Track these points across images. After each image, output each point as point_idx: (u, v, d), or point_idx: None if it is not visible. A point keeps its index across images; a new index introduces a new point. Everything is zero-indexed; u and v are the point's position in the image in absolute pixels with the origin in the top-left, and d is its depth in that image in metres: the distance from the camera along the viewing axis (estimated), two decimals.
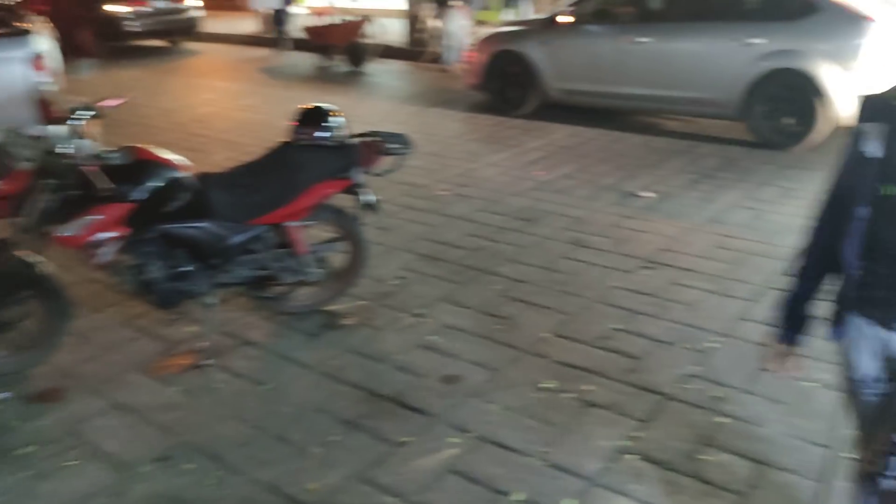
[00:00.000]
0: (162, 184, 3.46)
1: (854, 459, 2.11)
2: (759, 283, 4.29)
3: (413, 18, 12.70)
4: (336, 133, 3.77)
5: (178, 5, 13.94)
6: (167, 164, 3.54)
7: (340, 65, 12.03)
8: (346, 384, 3.41)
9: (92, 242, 3.37)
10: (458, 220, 5.39)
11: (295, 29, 13.01)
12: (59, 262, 3.58)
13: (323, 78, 11.50)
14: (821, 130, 6.80)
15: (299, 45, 12.85)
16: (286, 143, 3.80)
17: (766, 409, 3.17)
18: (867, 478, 1.83)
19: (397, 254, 4.81)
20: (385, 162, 3.89)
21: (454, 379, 3.43)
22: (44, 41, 4.89)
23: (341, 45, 11.92)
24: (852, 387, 1.94)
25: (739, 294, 4.18)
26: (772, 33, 6.89)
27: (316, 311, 4.04)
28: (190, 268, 3.58)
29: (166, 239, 3.52)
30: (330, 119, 3.79)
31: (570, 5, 8.33)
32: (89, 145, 3.40)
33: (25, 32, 6.25)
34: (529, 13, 11.65)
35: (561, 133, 7.82)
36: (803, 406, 3.17)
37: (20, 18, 6.84)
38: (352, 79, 11.41)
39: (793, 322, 2.06)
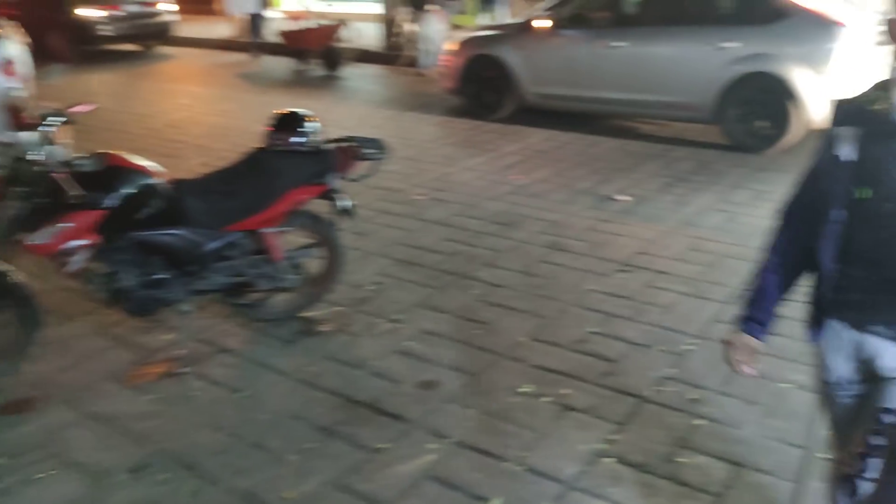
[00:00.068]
0: (135, 190, 3.42)
1: (829, 460, 2.13)
2: (734, 286, 4.32)
3: (389, 22, 12.70)
4: (311, 138, 3.75)
5: (152, 9, 13.82)
6: (140, 171, 3.51)
7: (316, 69, 11.99)
8: (322, 391, 3.39)
9: (64, 250, 3.33)
10: (434, 225, 5.39)
11: (270, 33, 12.96)
12: (31, 271, 3.54)
13: (298, 82, 11.46)
14: (794, 134, 6.88)
15: (274, 49, 12.80)
16: (261, 149, 3.78)
17: (742, 410, 3.19)
18: (844, 479, 1.85)
19: (374, 259, 4.80)
20: (361, 167, 3.88)
21: (431, 384, 3.42)
22: (14, 46, 4.82)
23: (317, 50, 11.88)
24: (827, 389, 1.96)
25: (714, 296, 4.21)
26: (745, 37, 6.97)
27: (292, 317, 4.02)
28: (165, 275, 3.55)
29: (140, 246, 3.49)
30: (305, 124, 3.77)
31: (546, 9, 8.37)
32: (60, 152, 3.36)
33: None
34: (505, 17, 11.68)
35: (537, 137, 7.85)
36: (779, 407, 3.20)
37: None
38: (327, 83, 11.37)
39: (757, 314, 2.04)
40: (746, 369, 2.03)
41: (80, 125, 3.52)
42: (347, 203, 3.83)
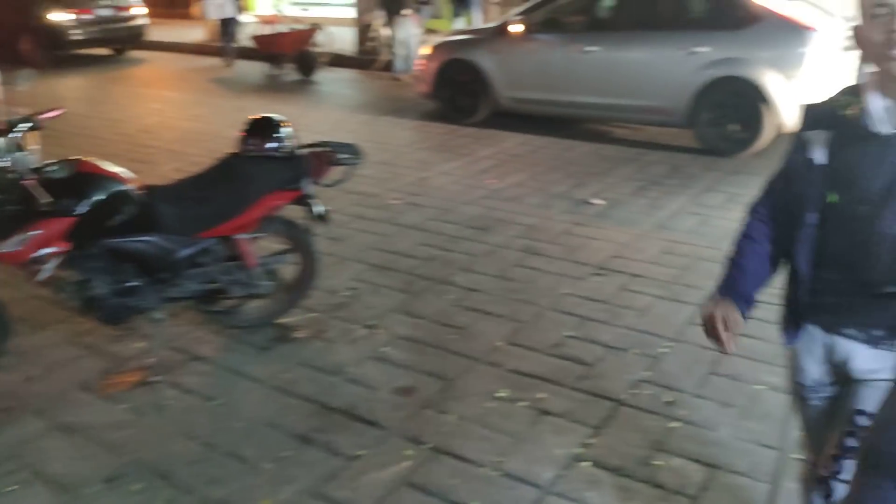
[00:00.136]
0: (106, 197, 3.38)
1: (804, 462, 2.15)
2: (708, 288, 4.34)
3: (363, 27, 12.67)
4: (285, 144, 3.73)
5: (123, 13, 13.68)
6: (111, 177, 3.47)
7: (290, 74, 11.94)
8: (298, 398, 3.36)
9: (34, 258, 3.28)
10: (410, 230, 5.38)
11: (243, 38, 12.88)
12: (0, 279, 3.47)
13: (272, 87, 11.40)
14: (766, 137, 6.96)
15: (248, 54, 12.73)
16: (234, 155, 3.75)
17: (717, 412, 3.21)
18: (818, 481, 1.86)
19: (349, 264, 4.78)
20: (335, 172, 3.86)
21: (407, 390, 3.41)
22: None
23: (291, 54, 11.83)
24: (801, 391, 1.98)
25: (689, 299, 4.24)
26: (717, 42, 7.04)
27: (267, 324, 3.98)
28: (137, 282, 3.51)
29: (112, 253, 3.44)
30: (279, 130, 3.75)
31: (520, 14, 8.40)
32: (30, 158, 3.31)
33: None
34: (479, 22, 11.70)
35: (512, 141, 7.87)
36: (753, 409, 3.23)
37: None
38: (302, 88, 11.33)
39: (740, 288, 1.97)
40: (730, 345, 1.91)
41: (50, 131, 3.47)
42: (321, 208, 3.81)
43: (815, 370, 1.91)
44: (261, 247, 3.93)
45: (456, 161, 7.17)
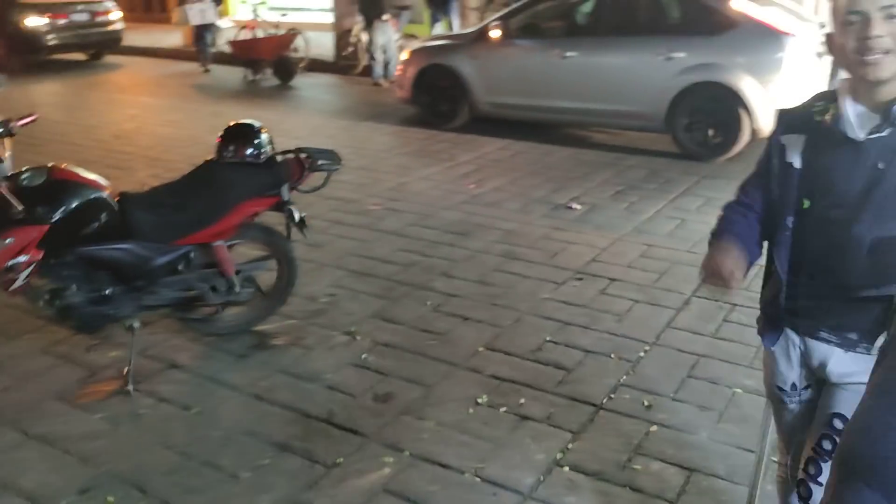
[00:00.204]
0: (80, 204, 3.34)
1: (781, 465, 2.16)
2: (686, 292, 4.39)
3: (342, 32, 12.65)
4: (263, 150, 3.71)
5: (99, 18, 13.57)
6: (86, 184, 3.43)
7: (269, 79, 11.89)
8: (276, 406, 3.34)
9: (7, 267, 3.23)
10: (389, 235, 5.37)
11: (220, 43, 12.82)
12: None
13: (251, 92, 11.35)
14: (743, 142, 7.02)
15: (227, 59, 12.66)
16: (212, 161, 3.73)
17: (695, 416, 3.23)
18: (796, 483, 1.87)
19: (328, 271, 4.75)
20: (314, 178, 3.85)
21: (387, 397, 3.39)
22: None
23: (269, 60, 11.79)
24: (777, 395, 1.99)
25: (667, 303, 4.26)
26: (694, 48, 7.10)
27: (245, 331, 3.95)
28: (112, 290, 3.47)
29: (87, 261, 3.41)
30: (257, 136, 3.73)
31: (498, 19, 8.42)
32: (2, 166, 3.26)
33: None
34: (458, 27, 11.73)
35: (492, 146, 7.88)
36: (732, 412, 3.24)
37: None
38: (280, 93, 11.29)
39: (739, 234, 1.90)
40: (733, 281, 1.82)
41: (23, 137, 3.43)
42: (300, 215, 3.79)
43: (791, 374, 1.92)
44: (239, 253, 3.90)
45: (435, 166, 7.17)
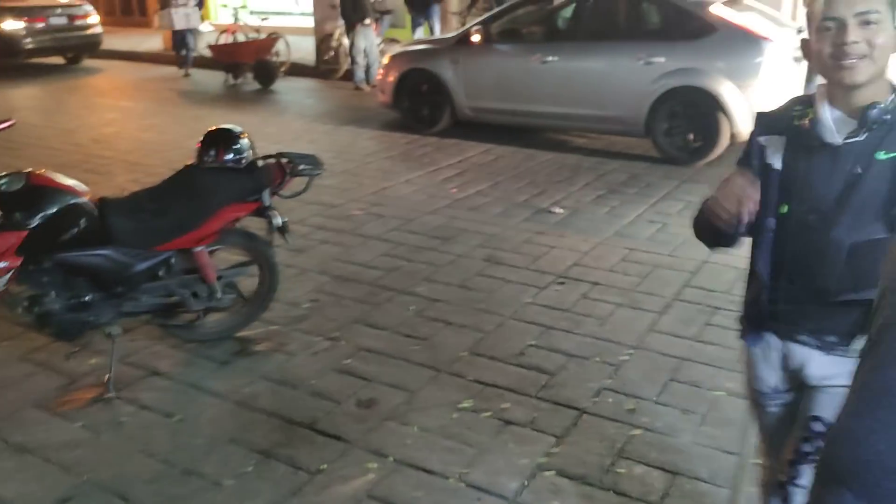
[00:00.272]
0: (59, 210, 3.31)
1: (762, 467, 2.18)
2: (667, 295, 4.41)
3: (324, 36, 12.63)
4: (244, 155, 3.70)
5: (78, 21, 13.45)
6: (64, 189, 3.40)
7: (250, 83, 11.84)
8: (259, 412, 3.32)
9: None
10: (372, 240, 5.36)
11: (201, 47, 12.75)
12: None
13: (231, 97, 11.29)
14: (722, 146, 7.08)
15: (206, 63, 12.60)
16: (192, 166, 3.70)
17: (678, 419, 3.24)
18: (777, 486, 1.89)
19: (310, 276, 4.74)
20: (295, 183, 3.84)
21: (370, 402, 3.39)
22: None
23: (250, 64, 11.74)
24: (758, 398, 2.01)
25: (648, 306, 4.28)
26: (673, 52, 7.15)
27: (227, 337, 3.93)
28: (92, 297, 3.44)
29: (66, 268, 3.37)
30: (238, 141, 3.71)
31: (479, 24, 8.44)
32: None
33: None
34: (439, 32, 11.74)
35: (474, 151, 7.89)
36: (713, 415, 3.26)
37: None
38: (261, 98, 11.24)
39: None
40: (751, 203, 1.72)
41: (1, 142, 3.41)
42: (281, 220, 3.77)
43: (771, 377, 1.94)
44: (220, 259, 3.88)
45: (418, 171, 7.17)
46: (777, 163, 1.78)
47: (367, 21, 11.19)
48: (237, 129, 3.81)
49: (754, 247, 1.86)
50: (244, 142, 3.74)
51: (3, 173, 3.31)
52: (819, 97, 1.74)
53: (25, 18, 12.64)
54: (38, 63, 13.47)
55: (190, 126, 8.38)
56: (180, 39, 12.63)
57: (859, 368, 0.91)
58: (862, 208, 1.67)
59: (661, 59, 7.15)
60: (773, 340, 1.90)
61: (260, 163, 3.75)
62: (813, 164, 1.73)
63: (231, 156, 3.67)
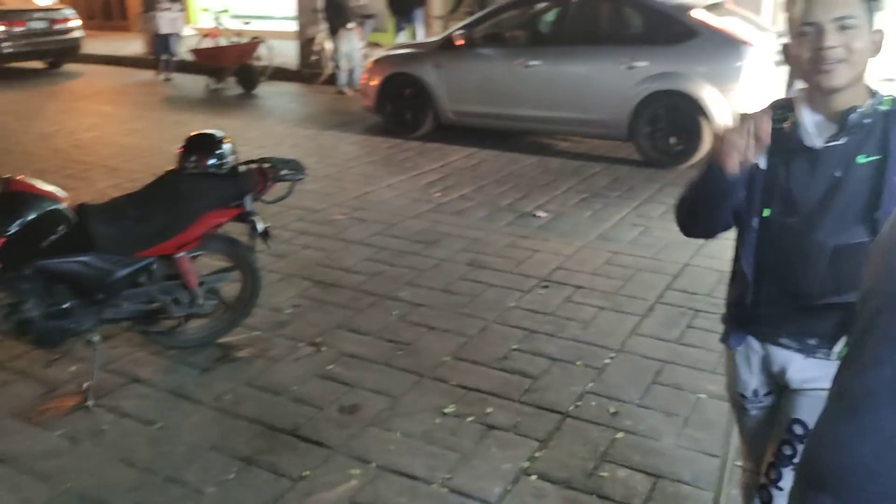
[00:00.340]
0: (38, 216, 3.27)
1: (743, 470, 2.19)
2: (649, 298, 4.43)
3: (307, 41, 12.60)
4: (226, 160, 3.68)
5: (57, 26, 13.33)
6: (43, 195, 3.37)
7: (232, 88, 11.78)
8: (241, 419, 3.29)
9: None
10: (355, 245, 5.34)
11: (182, 51, 12.68)
12: None
13: (213, 101, 11.23)
14: (704, 149, 7.11)
15: (188, 67, 12.53)
16: (174, 172, 3.68)
17: (660, 422, 3.25)
18: (758, 488, 1.89)
19: (293, 281, 4.71)
20: (278, 188, 3.82)
21: (353, 408, 3.37)
22: None
23: (232, 68, 11.68)
24: (739, 401, 2.01)
25: (631, 310, 4.29)
26: (655, 57, 7.19)
27: (208, 344, 3.91)
28: (72, 304, 3.40)
29: (45, 274, 3.34)
30: (220, 146, 3.69)
31: (462, 28, 8.44)
32: None
33: None
34: (422, 36, 11.74)
35: (457, 155, 7.89)
36: (696, 417, 3.27)
37: None
38: (243, 102, 11.19)
39: None
40: (764, 133, 1.68)
41: None
42: (264, 225, 3.75)
43: (752, 380, 1.94)
44: (202, 265, 3.85)
45: (401, 175, 7.16)
46: (762, 162, 1.78)
47: (351, 25, 11.17)
48: (219, 133, 3.79)
49: (739, 246, 1.87)
50: (226, 147, 3.72)
51: None
52: (799, 101, 1.75)
53: (4, 23, 12.52)
54: (18, 68, 13.34)
55: (171, 131, 8.33)
56: (162, 44, 12.56)
57: (840, 372, 0.92)
58: (843, 211, 1.68)
59: (644, 64, 7.18)
60: (754, 344, 1.91)
61: (242, 168, 3.73)
62: (794, 167, 1.74)
63: (213, 161, 3.65)
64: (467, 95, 8.28)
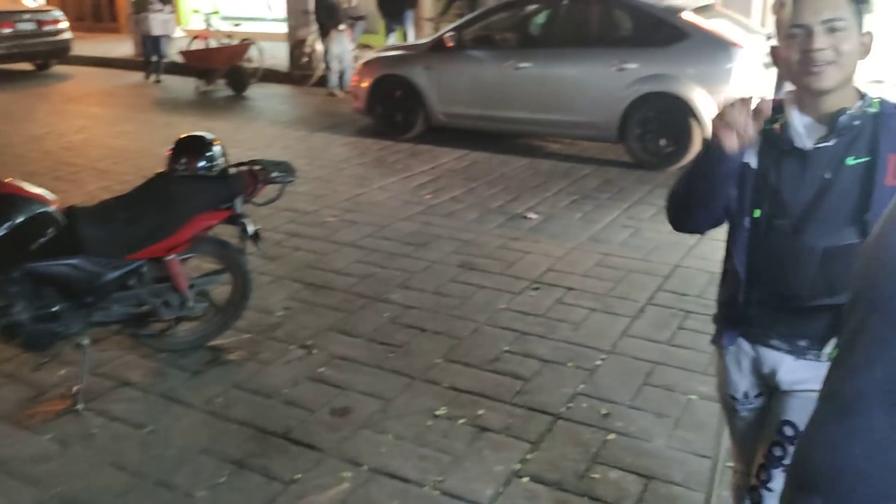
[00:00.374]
0: (27, 219, 3.26)
1: (734, 471, 2.20)
2: (640, 300, 4.43)
3: (297, 42, 12.58)
4: (216, 163, 3.66)
5: (46, 27, 13.26)
6: (32, 198, 3.35)
7: (222, 90, 11.75)
8: (232, 422, 3.28)
9: None
10: (346, 247, 5.33)
11: (172, 53, 12.65)
12: None
13: (204, 103, 11.20)
14: (694, 151, 7.13)
15: (178, 69, 12.49)
16: (164, 174, 3.67)
17: (652, 423, 3.25)
18: (749, 489, 1.90)
19: (283, 284, 4.70)
20: (268, 191, 3.81)
21: (345, 411, 3.36)
22: None
23: (222, 70, 11.65)
24: (730, 403, 2.02)
25: (622, 311, 4.30)
26: (645, 59, 7.20)
27: (199, 346, 3.89)
28: (61, 307, 3.38)
29: (34, 277, 3.32)
30: (210, 148, 3.68)
31: (453, 30, 8.45)
32: None
33: None
34: (412, 38, 11.74)
35: (448, 157, 7.89)
36: (687, 419, 3.28)
37: None
38: (234, 104, 11.16)
39: None
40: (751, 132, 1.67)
41: None
42: (254, 227, 3.74)
43: (743, 382, 1.95)
44: (192, 267, 3.83)
45: (392, 177, 7.15)
46: (753, 161, 1.79)
47: (342, 27, 11.17)
48: (209, 136, 3.78)
49: (731, 245, 1.87)
50: (216, 149, 3.71)
51: None
52: (788, 103, 1.76)
53: None
54: (6, 69, 13.26)
55: (161, 133, 8.30)
56: (152, 45, 12.51)
57: (830, 374, 0.92)
58: (833, 213, 1.68)
59: (634, 66, 7.20)
60: (744, 345, 1.91)
61: (232, 170, 3.72)
62: (783, 168, 1.75)
63: (203, 163, 3.64)
64: (458, 97, 8.28)
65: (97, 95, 11.83)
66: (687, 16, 7.17)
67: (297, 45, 12.59)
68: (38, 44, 13.21)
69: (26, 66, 13.67)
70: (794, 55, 1.66)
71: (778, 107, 1.78)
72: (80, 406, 3.36)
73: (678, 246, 5.13)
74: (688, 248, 5.10)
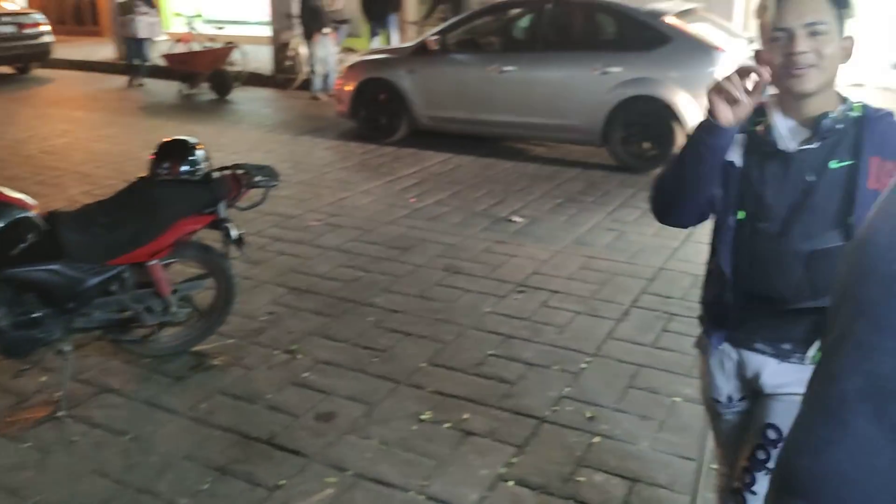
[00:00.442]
0: (6, 224, 3.22)
1: (718, 473, 2.20)
2: (625, 302, 4.45)
3: (281, 46, 12.54)
4: (199, 167, 3.64)
5: (26, 30, 13.14)
6: (12, 203, 3.31)
7: (205, 93, 11.69)
8: (216, 428, 3.26)
9: None
10: (330, 251, 5.32)
11: (154, 56, 12.57)
12: None
13: (187, 107, 11.13)
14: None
15: (161, 73, 12.42)
16: (146, 178, 3.64)
17: (636, 426, 3.26)
18: (733, 492, 1.90)
19: (267, 288, 4.68)
20: (252, 195, 3.79)
21: (329, 416, 3.35)
22: None
23: (206, 73, 11.59)
24: (714, 406, 2.02)
25: (606, 314, 4.31)
26: (628, 62, 7.24)
27: (182, 352, 3.86)
28: (41, 313, 3.35)
29: (14, 283, 3.28)
30: (193, 152, 3.66)
31: (437, 34, 8.45)
32: None
33: None
34: (396, 41, 11.74)
35: (432, 160, 7.89)
36: (671, 421, 3.29)
37: None
38: (217, 108, 11.10)
39: None
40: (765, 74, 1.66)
41: None
42: (237, 232, 3.72)
43: (726, 386, 1.95)
44: (175, 272, 3.81)
45: (376, 181, 7.14)
46: (738, 160, 1.79)
47: (326, 30, 11.14)
48: (192, 139, 3.75)
49: (717, 243, 1.87)
50: (199, 153, 3.68)
51: None
52: (771, 106, 1.77)
53: None
54: None
55: (144, 137, 8.24)
56: (136, 49, 12.43)
57: (814, 378, 0.92)
58: (816, 216, 1.69)
59: (618, 69, 7.24)
60: (728, 349, 1.91)
61: (215, 174, 3.70)
62: (767, 171, 1.75)
63: (186, 167, 3.62)
64: (442, 101, 8.28)
65: (79, 99, 11.74)
66: (669, 20, 7.21)
67: (280, 49, 12.55)
68: (17, 47, 13.08)
69: (6, 69, 13.53)
70: (777, 58, 1.67)
71: (760, 110, 1.79)
72: (61, 413, 3.33)
73: (662, 249, 5.15)
74: (672, 251, 5.12)
